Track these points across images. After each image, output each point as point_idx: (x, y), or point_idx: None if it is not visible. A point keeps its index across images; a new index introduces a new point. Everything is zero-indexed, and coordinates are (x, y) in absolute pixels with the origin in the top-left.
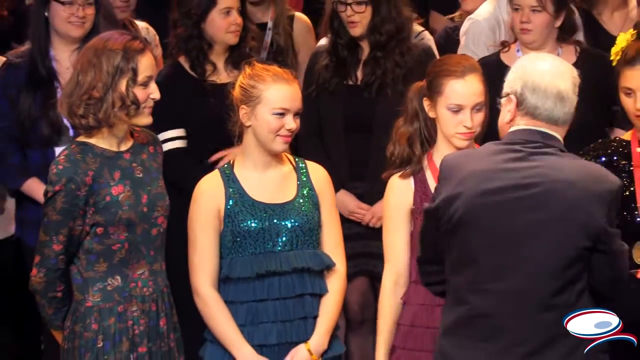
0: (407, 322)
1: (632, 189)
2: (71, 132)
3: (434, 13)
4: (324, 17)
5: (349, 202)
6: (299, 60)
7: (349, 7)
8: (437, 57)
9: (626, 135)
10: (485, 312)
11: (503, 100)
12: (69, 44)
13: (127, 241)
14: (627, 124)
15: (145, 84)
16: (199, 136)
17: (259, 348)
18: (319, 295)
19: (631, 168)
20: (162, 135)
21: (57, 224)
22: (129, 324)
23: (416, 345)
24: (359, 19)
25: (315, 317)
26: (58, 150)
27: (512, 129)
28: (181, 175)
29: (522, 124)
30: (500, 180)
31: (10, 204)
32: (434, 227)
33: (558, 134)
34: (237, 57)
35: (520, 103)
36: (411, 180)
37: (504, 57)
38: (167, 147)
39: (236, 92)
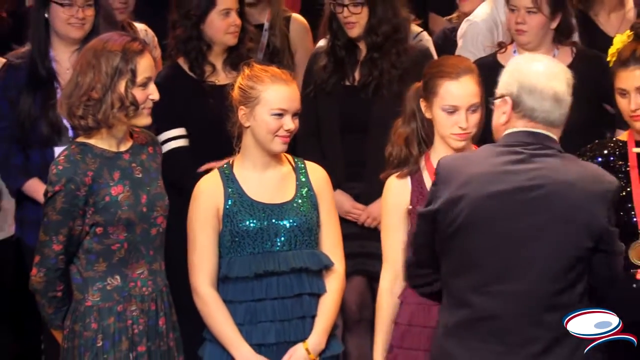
0: (404, 321)
1: (628, 189)
2: (70, 133)
3: (433, 14)
4: (322, 18)
5: (345, 202)
6: (296, 61)
7: (345, 9)
8: (435, 58)
9: (622, 136)
10: (490, 314)
11: (497, 102)
12: (69, 45)
13: (126, 241)
14: (623, 125)
15: (144, 85)
16: (198, 137)
17: (258, 347)
18: (317, 295)
19: (627, 168)
20: (164, 135)
21: (57, 224)
22: (128, 324)
23: (413, 344)
24: (355, 20)
25: (313, 317)
26: (57, 150)
27: (510, 130)
28: (181, 174)
29: (520, 125)
30: (504, 182)
31: (10, 204)
32: (430, 231)
33: (554, 135)
34: (236, 58)
35: (516, 105)
36: (408, 180)
37: (500, 58)
38: (169, 146)
39: (235, 93)
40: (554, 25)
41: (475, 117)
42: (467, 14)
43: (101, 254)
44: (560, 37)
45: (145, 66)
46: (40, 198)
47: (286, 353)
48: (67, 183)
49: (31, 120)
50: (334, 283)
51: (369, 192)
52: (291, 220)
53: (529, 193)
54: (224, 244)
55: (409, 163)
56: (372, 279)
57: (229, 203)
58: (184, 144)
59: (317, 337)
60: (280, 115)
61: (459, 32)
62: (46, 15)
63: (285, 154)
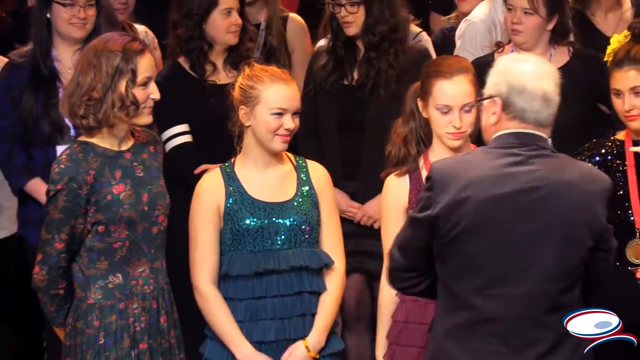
0: (401, 318)
1: (626, 188)
2: (72, 132)
3: (434, 14)
4: (321, 18)
5: (340, 200)
6: (293, 61)
7: (342, 8)
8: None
9: (620, 135)
10: (494, 316)
11: (486, 103)
12: (71, 44)
13: (128, 239)
14: (620, 125)
15: (144, 85)
16: (200, 136)
17: (258, 344)
18: (317, 293)
19: (625, 168)
20: (169, 132)
21: (59, 222)
22: (130, 321)
23: (409, 341)
24: (352, 20)
25: (313, 315)
26: (59, 149)
27: (503, 132)
28: (188, 170)
29: (511, 127)
30: (506, 185)
31: (13, 202)
32: (426, 236)
33: (545, 135)
34: (236, 57)
35: (507, 106)
36: (406, 179)
37: (498, 58)
38: (175, 142)
39: (235, 93)
40: (550, 26)
41: (469, 117)
42: (465, 14)
43: (103, 252)
44: (557, 37)
45: (145, 66)
46: (42, 198)
47: (286, 350)
48: (70, 182)
49: (33, 119)
50: (334, 281)
51: (364, 191)
52: (292, 219)
53: (530, 195)
54: (225, 242)
55: (407, 162)
56: (371, 277)
57: (230, 201)
58: (189, 139)
59: (317, 335)
60: (280, 114)
61: (458, 32)
62: (48, 15)
63: (287, 153)
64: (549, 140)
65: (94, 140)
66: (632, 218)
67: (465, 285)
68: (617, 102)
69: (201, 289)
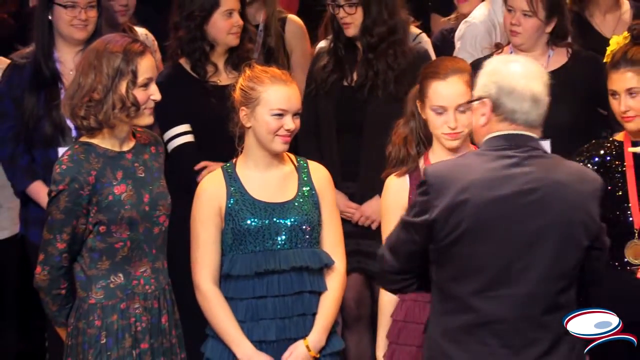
0: (400, 318)
1: (625, 189)
2: (74, 133)
3: (435, 15)
4: (320, 19)
5: (338, 201)
6: (292, 62)
7: (341, 9)
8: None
9: (619, 136)
10: (497, 318)
11: (475, 104)
12: (73, 46)
13: (129, 239)
14: (618, 125)
15: (145, 86)
16: (201, 136)
17: (259, 344)
18: (317, 292)
19: (624, 168)
20: (171, 132)
21: (60, 222)
22: (131, 321)
23: (408, 340)
24: (351, 21)
25: (314, 314)
26: (61, 150)
27: (494, 134)
28: (191, 169)
29: (502, 128)
30: (504, 187)
31: (15, 203)
32: (422, 240)
33: (536, 135)
34: (236, 58)
35: (496, 107)
36: (406, 179)
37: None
38: (177, 142)
39: (236, 94)
40: (549, 29)
41: (464, 117)
42: (465, 15)
43: (104, 252)
44: (555, 39)
45: (146, 67)
46: (43, 202)
47: (287, 350)
48: (71, 182)
49: (35, 120)
50: (335, 281)
51: (362, 192)
52: (292, 219)
53: (528, 196)
54: (226, 242)
55: (408, 162)
56: (370, 277)
57: (231, 201)
58: (191, 139)
59: (318, 334)
60: (281, 115)
61: (457, 34)
62: (50, 16)
63: (288, 153)
64: (543, 143)
65: (95, 141)
66: (630, 219)
67: (464, 287)
68: (613, 103)
69: (202, 288)
